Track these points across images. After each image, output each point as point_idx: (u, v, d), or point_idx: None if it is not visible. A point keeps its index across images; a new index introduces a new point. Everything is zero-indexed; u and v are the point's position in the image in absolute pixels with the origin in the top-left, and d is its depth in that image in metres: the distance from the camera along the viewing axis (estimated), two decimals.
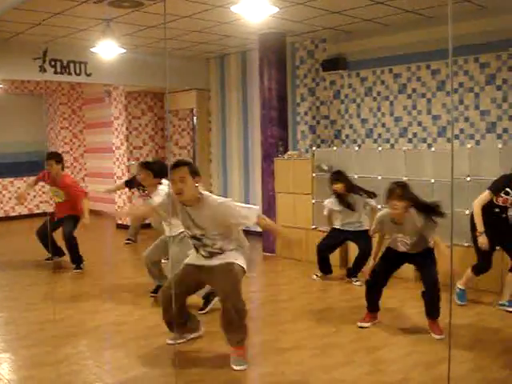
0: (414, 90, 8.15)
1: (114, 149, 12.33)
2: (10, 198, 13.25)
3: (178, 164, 4.53)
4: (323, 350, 4.83)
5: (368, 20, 7.95)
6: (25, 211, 13.49)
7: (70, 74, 9.32)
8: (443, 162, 6.85)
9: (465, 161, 6.68)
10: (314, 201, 8.21)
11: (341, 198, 7.11)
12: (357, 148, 8.52)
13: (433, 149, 7.28)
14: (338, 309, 6.09)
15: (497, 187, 5.73)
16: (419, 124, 8.10)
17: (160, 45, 9.46)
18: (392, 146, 8.42)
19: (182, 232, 5.54)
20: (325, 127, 9.32)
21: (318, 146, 9.20)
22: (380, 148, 7.92)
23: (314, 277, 7.28)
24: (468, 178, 6.62)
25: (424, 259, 5.24)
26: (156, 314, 5.45)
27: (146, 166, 6.37)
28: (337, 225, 7.24)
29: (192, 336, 5.09)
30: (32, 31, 8.16)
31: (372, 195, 7.10)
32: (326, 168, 8.12)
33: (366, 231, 6.78)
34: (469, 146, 7.04)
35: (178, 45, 9.59)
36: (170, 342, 4.96)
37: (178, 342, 4.94)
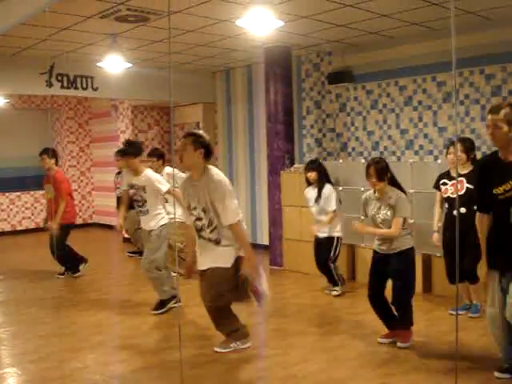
0: (419, 102, 8.14)
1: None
2: (17, 212, 13.30)
3: (185, 135, 4.94)
4: (330, 364, 4.80)
5: (373, 33, 7.96)
6: (32, 225, 13.53)
7: (76, 88, 9.37)
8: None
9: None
10: None
11: (313, 188, 7.10)
12: (363, 161, 8.50)
13: (439, 161, 7.26)
14: (345, 321, 6.05)
15: (435, 184, 6.19)
16: (425, 136, 8.09)
17: (166, 59, 9.50)
18: (398, 158, 8.41)
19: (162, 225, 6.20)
20: (331, 140, 9.32)
21: (324, 159, 9.19)
22: (387, 160, 7.90)
23: (327, 291, 7.22)
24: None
25: (395, 271, 5.11)
26: (163, 329, 5.45)
27: (121, 152, 6.68)
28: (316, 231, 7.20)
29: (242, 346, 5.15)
30: (39, 46, 8.21)
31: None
32: (332, 181, 8.11)
33: (333, 238, 6.94)
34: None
35: (184, 59, 9.62)
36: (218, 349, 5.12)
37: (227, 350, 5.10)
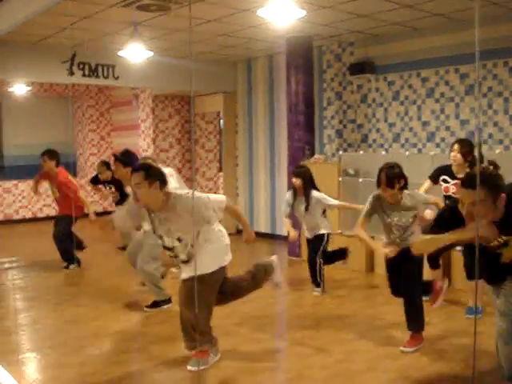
0: (442, 94, 8.06)
1: (140, 151, 12.40)
2: (37, 200, 13.39)
3: (135, 169, 4.46)
4: (347, 356, 4.79)
5: (396, 24, 7.89)
6: (53, 213, 13.61)
7: (97, 77, 9.41)
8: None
9: None
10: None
11: (296, 195, 6.97)
12: (384, 152, 8.47)
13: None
14: (361, 315, 6.02)
15: (432, 175, 6.08)
16: (447, 129, 8.01)
17: (187, 48, 9.49)
18: (419, 150, 8.34)
19: None
20: (351, 131, 9.27)
21: (345, 150, 9.15)
22: (407, 152, 7.86)
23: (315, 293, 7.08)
24: None
25: (406, 266, 4.94)
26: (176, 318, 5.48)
27: (114, 157, 6.52)
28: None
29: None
30: (61, 34, 8.25)
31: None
32: (352, 172, 8.08)
33: (322, 236, 6.86)
34: (497, 151, 6.94)
35: (205, 48, 9.61)
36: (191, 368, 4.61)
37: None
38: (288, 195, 7.10)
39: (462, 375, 4.32)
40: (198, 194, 4.50)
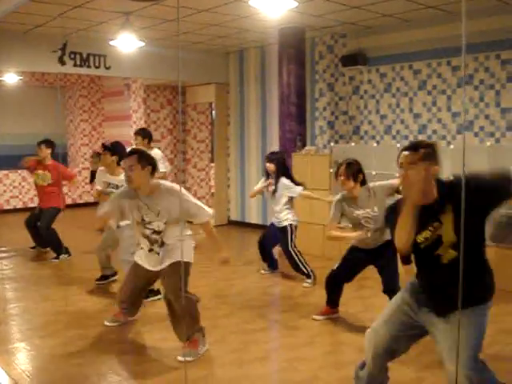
0: (434, 87, 8.07)
1: (132, 142, 12.36)
2: (28, 190, 13.34)
3: (129, 153, 4.76)
4: (336, 347, 4.81)
5: (388, 15, 7.88)
6: (20, 204, 13.58)
7: (89, 66, 9.36)
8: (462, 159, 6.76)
9: (484, 159, 6.60)
10: (331, 196, 8.17)
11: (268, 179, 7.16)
12: (375, 144, 8.47)
13: (451, 146, 7.21)
14: (352, 306, 6.04)
15: None
16: (439, 121, 8.02)
17: (179, 38, 9.46)
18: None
19: None
20: (343, 123, 9.26)
21: (336, 142, 9.15)
22: (399, 145, 7.86)
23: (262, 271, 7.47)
24: None
25: (385, 259, 5.17)
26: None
27: (103, 146, 6.67)
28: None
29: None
30: (51, 24, 8.19)
31: (302, 185, 7.12)
32: (291, 175, 8.14)
33: (285, 228, 6.98)
34: (488, 143, 6.96)
35: (197, 38, 9.57)
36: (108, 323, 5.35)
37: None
38: (262, 180, 7.34)
39: None
40: (187, 194, 4.80)
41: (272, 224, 7.29)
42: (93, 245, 7.10)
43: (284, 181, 6.97)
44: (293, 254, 6.96)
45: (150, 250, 4.70)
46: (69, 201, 13.91)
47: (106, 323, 5.33)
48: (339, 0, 7.11)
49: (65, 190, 11.63)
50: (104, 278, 6.97)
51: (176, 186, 4.71)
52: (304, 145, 8.84)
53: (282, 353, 4.85)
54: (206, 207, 4.73)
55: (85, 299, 6.32)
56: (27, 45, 8.76)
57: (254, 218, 10.83)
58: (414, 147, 3.26)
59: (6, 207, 13.33)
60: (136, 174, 4.53)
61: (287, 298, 6.48)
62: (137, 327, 5.37)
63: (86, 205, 14.00)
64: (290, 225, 7.04)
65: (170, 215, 4.56)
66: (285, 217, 7.02)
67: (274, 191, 7.03)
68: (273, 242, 7.42)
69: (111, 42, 8.19)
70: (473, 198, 2.82)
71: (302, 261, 6.97)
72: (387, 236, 5.01)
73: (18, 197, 13.46)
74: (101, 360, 4.57)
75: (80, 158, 14.35)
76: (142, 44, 8.27)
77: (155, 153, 7.59)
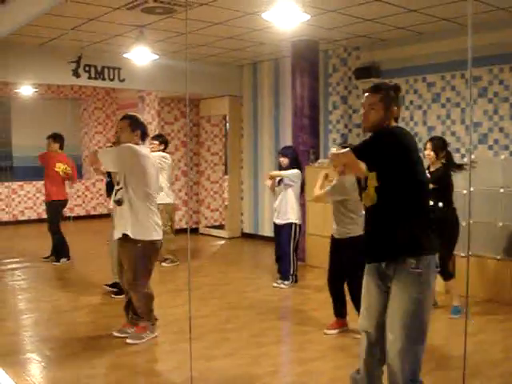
0: (447, 100, 8.02)
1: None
2: (43, 200, 13.38)
3: (122, 117, 5.19)
4: (347, 362, 4.76)
5: (402, 28, 7.86)
6: (34, 215, 13.64)
7: (103, 79, 9.45)
8: (477, 171, 6.70)
9: (498, 172, 6.55)
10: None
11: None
12: None
13: (465, 159, 7.15)
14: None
15: None
16: (453, 134, 7.96)
17: (193, 51, 9.51)
18: (424, 156, 8.28)
19: None
20: (357, 136, 9.24)
21: None
22: None
23: (276, 284, 7.37)
24: (501, 190, 6.49)
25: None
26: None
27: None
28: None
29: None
30: (66, 36, 8.26)
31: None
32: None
33: (290, 225, 7.03)
34: (502, 156, 6.90)
35: (211, 51, 9.62)
36: (117, 334, 5.35)
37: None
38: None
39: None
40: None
41: (275, 225, 7.32)
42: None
43: (294, 171, 7.16)
44: (291, 256, 7.00)
45: (115, 202, 5.07)
46: (82, 212, 14.01)
47: (115, 334, 5.33)
48: (352, 13, 7.12)
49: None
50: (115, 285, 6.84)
51: (149, 155, 5.11)
52: (317, 158, 8.82)
53: (292, 367, 4.82)
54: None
55: (95, 310, 6.34)
56: (42, 57, 8.86)
57: (267, 230, 10.79)
58: (374, 89, 3.46)
59: (21, 218, 13.41)
60: (125, 135, 5.01)
61: (299, 311, 6.44)
62: (152, 340, 5.36)
63: (101, 216, 14.05)
64: (296, 224, 7.05)
65: (124, 170, 4.94)
66: (292, 211, 7.08)
67: (280, 181, 7.16)
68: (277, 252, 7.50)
69: (125, 55, 8.25)
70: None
71: (295, 264, 7.04)
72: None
73: (32, 208, 13.55)
74: (110, 372, 4.56)
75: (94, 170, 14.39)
76: (156, 57, 8.31)
77: (164, 156, 8.24)
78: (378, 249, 3.33)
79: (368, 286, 3.44)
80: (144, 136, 5.12)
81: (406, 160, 3.21)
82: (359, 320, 3.56)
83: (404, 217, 3.24)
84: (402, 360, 3.14)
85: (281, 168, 7.27)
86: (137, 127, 5.05)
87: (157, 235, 5.08)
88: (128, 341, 5.14)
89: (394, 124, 3.42)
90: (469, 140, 7.78)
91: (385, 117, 3.37)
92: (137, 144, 5.02)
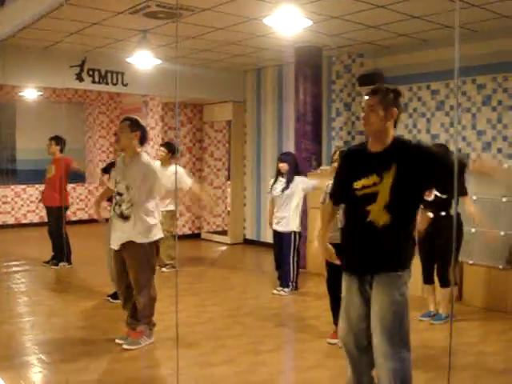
0: (451, 107, 7.97)
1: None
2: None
3: (123, 119, 5.28)
4: (345, 371, 4.70)
5: (406, 35, 7.83)
6: (36, 219, 13.62)
7: (107, 83, 9.45)
8: (480, 180, 6.62)
9: (502, 181, 6.50)
10: None
11: (277, 179, 7.23)
12: None
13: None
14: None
15: None
16: (463, 139, 7.87)
17: (196, 56, 9.50)
18: None
19: None
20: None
21: None
22: None
23: (276, 292, 7.31)
24: (504, 199, 6.43)
25: None
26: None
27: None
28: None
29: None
30: (70, 40, 8.26)
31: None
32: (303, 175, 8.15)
33: (290, 234, 7.02)
34: (506, 165, 6.84)
35: (215, 56, 9.61)
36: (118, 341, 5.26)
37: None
38: (271, 181, 7.41)
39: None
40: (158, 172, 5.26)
41: (275, 232, 7.31)
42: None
43: (300, 177, 7.11)
44: (291, 263, 6.98)
45: (116, 215, 5.10)
46: (85, 216, 14.00)
47: (117, 341, 5.26)
48: (356, 19, 7.09)
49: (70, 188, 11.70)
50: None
51: (153, 166, 5.17)
52: (319, 164, 8.79)
53: (289, 375, 4.78)
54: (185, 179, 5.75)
55: (94, 314, 6.32)
56: (46, 61, 8.86)
57: (269, 237, 10.72)
58: (373, 91, 3.44)
59: (23, 221, 13.42)
60: (124, 136, 5.09)
61: (298, 318, 6.40)
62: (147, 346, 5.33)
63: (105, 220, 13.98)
64: (296, 232, 7.07)
65: (135, 183, 4.97)
66: (293, 220, 7.05)
67: (284, 189, 7.05)
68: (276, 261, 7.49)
69: (128, 59, 8.23)
70: (412, 161, 3.21)
71: (296, 272, 7.13)
72: None
73: (34, 211, 13.55)
74: (105, 378, 4.52)
75: (98, 174, 14.39)
76: (159, 62, 8.30)
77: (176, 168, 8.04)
78: (370, 262, 3.35)
79: (350, 293, 3.46)
80: (143, 140, 5.16)
81: None
82: (339, 332, 3.57)
83: (410, 233, 3.32)
84: (388, 363, 3.12)
85: (279, 173, 7.21)
86: (136, 128, 5.11)
87: (159, 234, 5.21)
88: (125, 346, 5.11)
89: (393, 128, 3.42)
90: (479, 145, 7.70)
91: (384, 118, 3.37)
92: (135, 148, 5.10)
